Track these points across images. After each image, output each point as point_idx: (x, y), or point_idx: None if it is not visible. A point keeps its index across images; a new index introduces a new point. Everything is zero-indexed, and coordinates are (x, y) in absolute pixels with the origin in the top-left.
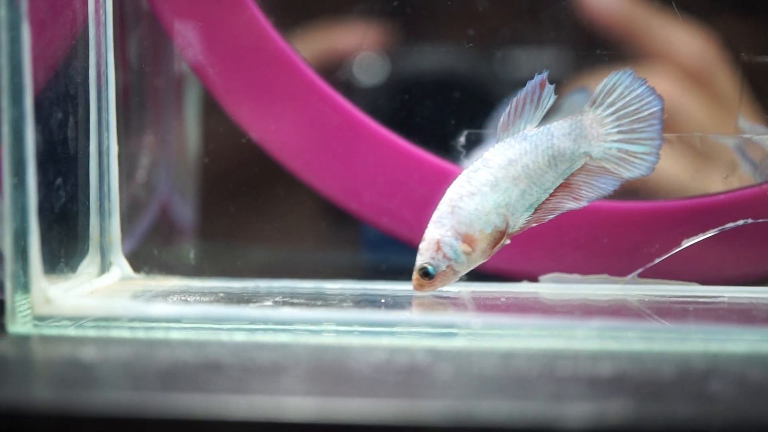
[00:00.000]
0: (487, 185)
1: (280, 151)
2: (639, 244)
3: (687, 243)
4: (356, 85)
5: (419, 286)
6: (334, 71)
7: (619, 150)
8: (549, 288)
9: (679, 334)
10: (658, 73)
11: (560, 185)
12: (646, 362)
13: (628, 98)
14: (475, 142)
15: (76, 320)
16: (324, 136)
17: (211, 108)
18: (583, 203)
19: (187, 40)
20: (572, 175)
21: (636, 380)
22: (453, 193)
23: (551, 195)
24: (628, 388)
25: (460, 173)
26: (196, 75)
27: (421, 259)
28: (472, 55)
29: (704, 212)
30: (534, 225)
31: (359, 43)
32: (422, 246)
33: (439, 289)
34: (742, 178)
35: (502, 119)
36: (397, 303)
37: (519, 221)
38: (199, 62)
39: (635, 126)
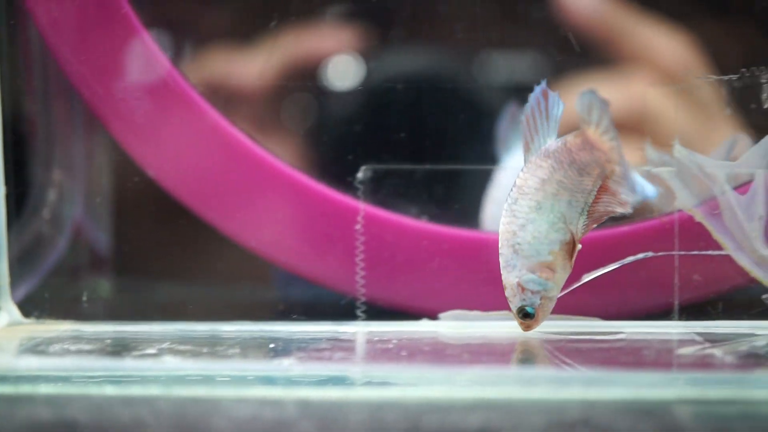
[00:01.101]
0: (532, 211)
1: (178, 188)
2: None
3: (587, 277)
4: None
5: (527, 328)
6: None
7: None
8: (449, 326)
9: (558, 381)
10: (635, 76)
11: (602, 189)
12: (518, 412)
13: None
14: (373, 178)
15: None
16: (220, 171)
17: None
18: (628, 208)
19: (79, 72)
20: (606, 178)
21: None
22: (506, 233)
23: (597, 198)
24: None
25: (361, 208)
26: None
27: (515, 304)
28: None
29: (606, 245)
30: (594, 226)
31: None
32: (508, 294)
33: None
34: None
35: (522, 139)
36: (287, 347)
37: (579, 227)
38: (93, 94)
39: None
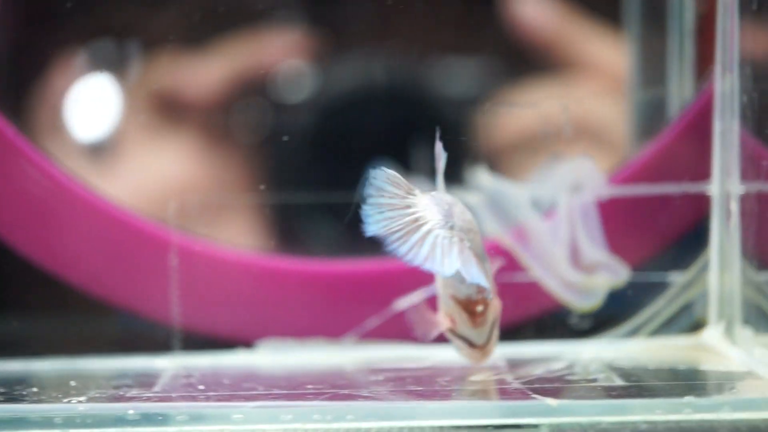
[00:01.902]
0: None
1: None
2: (355, 305)
3: (400, 304)
4: None
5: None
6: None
7: None
8: (266, 355)
9: (334, 413)
10: (582, 85)
11: None
12: None
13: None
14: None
15: None
16: (34, 204)
17: None
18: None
19: None
20: None
21: None
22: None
23: None
24: None
25: (179, 239)
26: None
27: None
28: None
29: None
30: None
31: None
32: None
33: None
34: None
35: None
36: (86, 385)
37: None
38: None
39: None
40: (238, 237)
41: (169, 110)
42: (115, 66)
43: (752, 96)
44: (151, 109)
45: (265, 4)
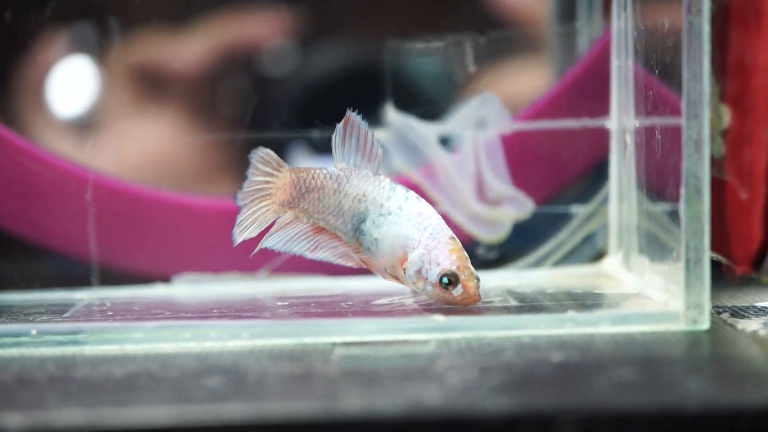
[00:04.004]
0: None
1: None
2: None
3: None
4: None
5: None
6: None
7: None
8: (182, 289)
9: (230, 331)
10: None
11: None
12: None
13: None
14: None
15: None
16: None
17: None
18: None
19: None
20: None
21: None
22: None
23: None
24: None
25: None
26: None
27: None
28: None
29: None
30: None
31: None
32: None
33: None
34: None
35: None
36: None
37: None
38: None
39: None
40: None
41: (152, 85)
42: (99, 44)
43: (641, 30)
44: (134, 84)
45: None
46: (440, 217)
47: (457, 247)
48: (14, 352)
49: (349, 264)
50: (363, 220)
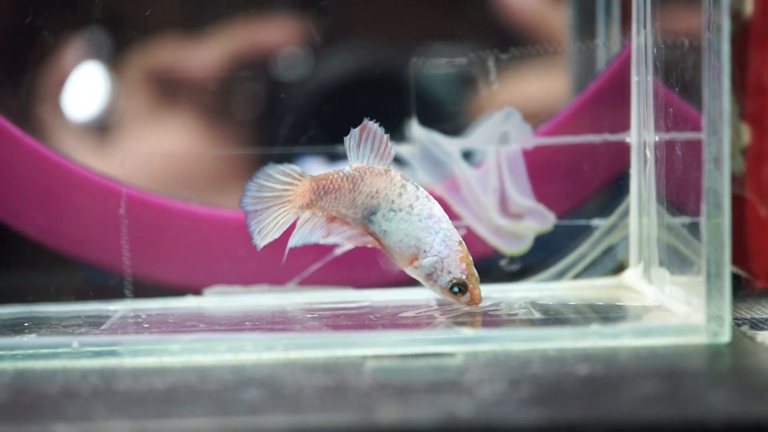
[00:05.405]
0: None
1: None
2: (296, 254)
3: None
4: None
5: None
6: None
7: None
8: (212, 301)
9: (265, 344)
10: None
11: None
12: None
13: None
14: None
15: None
16: None
17: None
18: None
19: None
20: None
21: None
22: None
23: None
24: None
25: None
26: None
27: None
28: None
29: None
30: None
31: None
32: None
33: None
34: None
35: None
36: (39, 325)
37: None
38: None
39: None
40: None
41: (167, 91)
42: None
43: (660, 48)
44: (150, 89)
45: None
46: (448, 217)
47: (465, 253)
48: (56, 364)
49: (360, 244)
50: (374, 213)
